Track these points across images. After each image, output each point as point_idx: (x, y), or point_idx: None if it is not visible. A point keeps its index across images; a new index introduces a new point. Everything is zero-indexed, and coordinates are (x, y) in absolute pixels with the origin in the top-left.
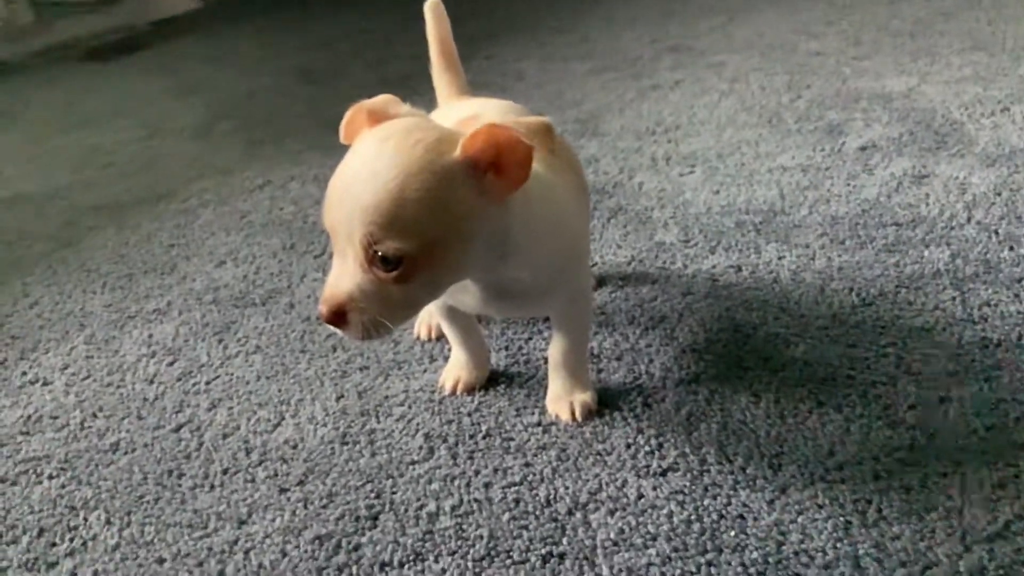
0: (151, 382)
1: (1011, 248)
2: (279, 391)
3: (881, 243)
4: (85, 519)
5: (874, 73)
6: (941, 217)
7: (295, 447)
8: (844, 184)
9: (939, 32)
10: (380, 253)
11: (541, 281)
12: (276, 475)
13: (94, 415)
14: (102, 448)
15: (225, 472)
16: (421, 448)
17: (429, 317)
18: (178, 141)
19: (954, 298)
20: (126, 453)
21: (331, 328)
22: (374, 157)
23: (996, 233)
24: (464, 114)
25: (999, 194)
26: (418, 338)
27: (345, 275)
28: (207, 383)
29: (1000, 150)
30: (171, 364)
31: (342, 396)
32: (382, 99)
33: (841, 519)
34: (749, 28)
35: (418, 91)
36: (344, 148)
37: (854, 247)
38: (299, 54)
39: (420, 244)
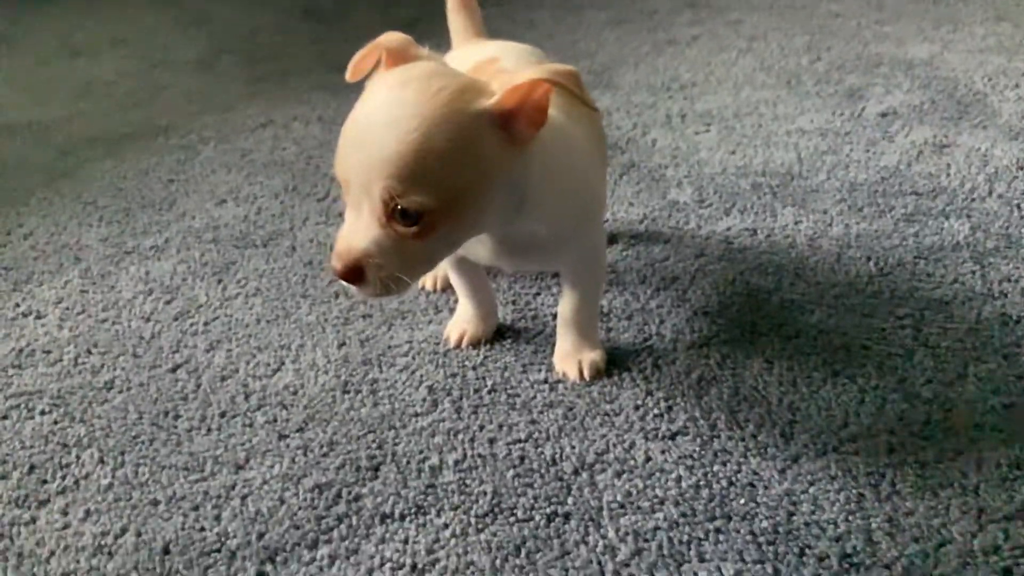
0: (147, 320)
1: None
2: (279, 335)
3: (900, 212)
4: (78, 457)
5: (896, 38)
6: (962, 188)
7: (295, 393)
8: (863, 150)
9: (962, 0)
10: (401, 207)
11: (557, 233)
12: (275, 421)
13: (88, 351)
14: (96, 385)
15: (223, 415)
16: (424, 400)
17: (436, 267)
18: (179, 74)
19: (974, 272)
20: (121, 392)
21: (343, 283)
22: (393, 103)
23: (1018, 207)
24: (482, 57)
25: (1022, 168)
26: (423, 288)
27: (360, 229)
28: (205, 324)
29: (1023, 124)
30: (168, 303)
31: (344, 344)
32: (399, 39)
33: (854, 491)
34: None
35: (427, 36)
36: (352, 89)
37: (872, 215)
38: None
39: (443, 198)
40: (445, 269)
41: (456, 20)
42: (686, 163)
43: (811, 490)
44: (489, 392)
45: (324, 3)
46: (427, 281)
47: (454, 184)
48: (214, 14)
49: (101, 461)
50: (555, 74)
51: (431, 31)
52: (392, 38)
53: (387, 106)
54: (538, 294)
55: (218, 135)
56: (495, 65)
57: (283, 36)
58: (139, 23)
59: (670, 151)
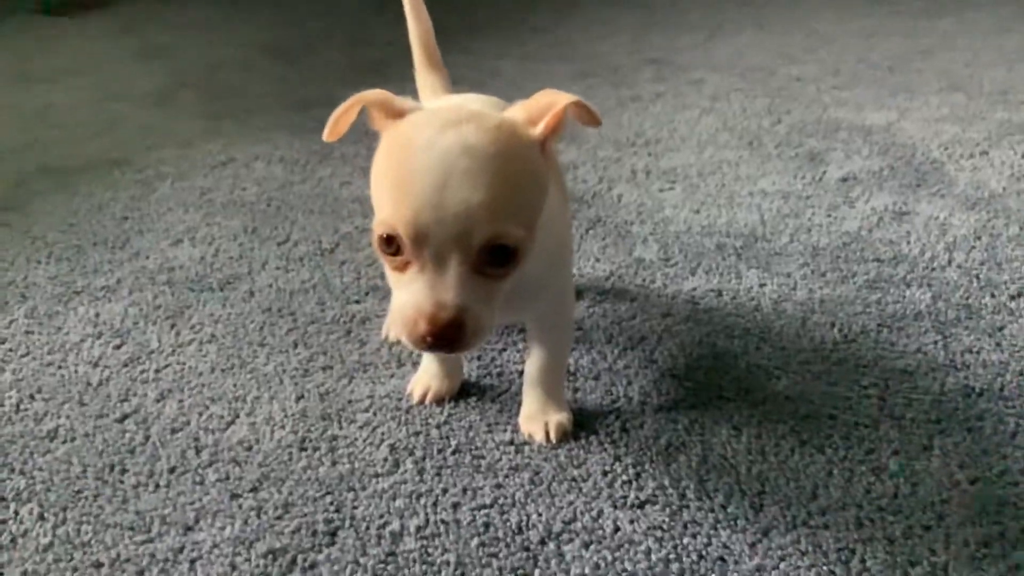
0: (95, 365)
1: (992, 295)
2: (234, 386)
3: (863, 279)
4: (16, 512)
5: (854, 104)
6: (922, 257)
7: (249, 449)
8: (825, 215)
9: (917, 70)
10: (499, 246)
11: (535, 272)
12: (228, 478)
13: (31, 396)
14: (38, 434)
15: (172, 471)
16: (386, 460)
17: None
18: (137, 107)
19: (936, 342)
20: (65, 442)
21: (410, 346)
22: (460, 149)
23: (977, 278)
24: (447, 105)
25: (979, 238)
26: (386, 339)
27: (447, 283)
28: (156, 371)
29: (979, 193)
30: (118, 347)
31: (302, 397)
32: (380, 93)
33: (825, 568)
34: (729, 48)
35: (391, 79)
36: (315, 131)
37: (836, 280)
38: (269, 28)
39: (530, 227)
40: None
41: (424, 78)
42: (651, 220)
43: (782, 566)
44: (453, 453)
45: (288, 41)
46: (391, 331)
47: (534, 210)
48: (174, 47)
49: (41, 517)
50: (572, 99)
51: (398, 72)
52: (373, 94)
53: (455, 153)
54: (504, 350)
55: (176, 171)
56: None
57: (245, 72)
58: (97, 53)
59: (635, 207)
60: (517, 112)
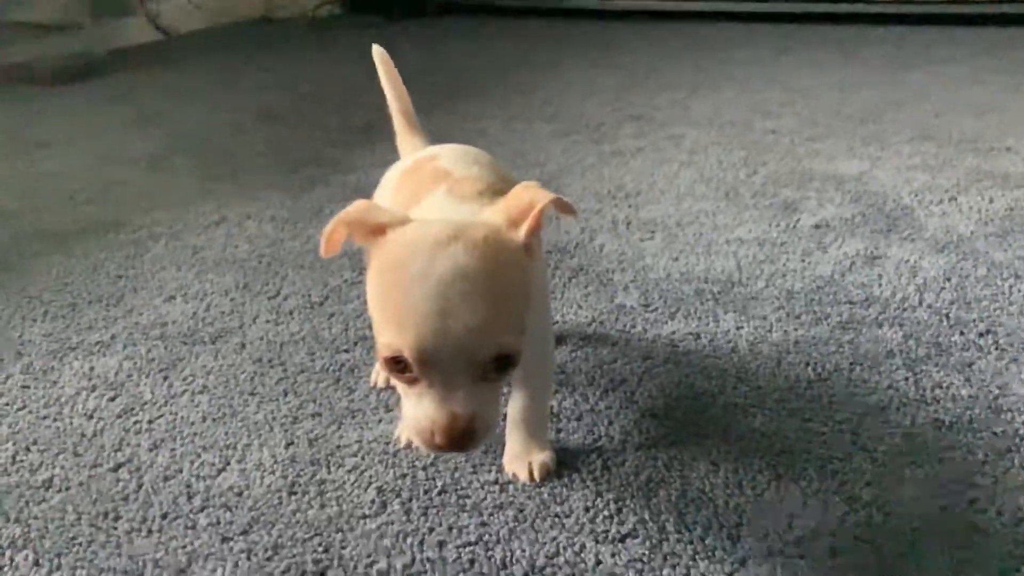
0: (90, 417)
1: (961, 333)
2: (225, 434)
3: (836, 320)
4: (12, 559)
5: (827, 155)
6: (893, 298)
7: (240, 494)
8: (799, 260)
9: (889, 120)
10: (504, 355)
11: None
12: (219, 523)
13: (27, 448)
14: (34, 484)
15: (164, 517)
16: (373, 502)
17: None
18: (132, 171)
19: (907, 378)
20: (60, 491)
21: (424, 451)
22: (456, 274)
23: (947, 317)
24: (423, 154)
25: (948, 279)
26: (374, 386)
27: (455, 398)
28: (149, 422)
29: (948, 237)
30: (112, 399)
31: (292, 443)
32: (360, 207)
33: None
34: (708, 104)
35: (380, 140)
36: (305, 190)
37: (810, 322)
38: (261, 93)
39: (523, 329)
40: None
41: (405, 142)
42: (632, 268)
43: None
44: (439, 493)
45: (280, 105)
46: (379, 378)
47: (525, 311)
48: (168, 113)
49: (36, 563)
50: (550, 198)
51: (386, 134)
52: (351, 214)
53: (449, 279)
54: None
55: (169, 232)
56: (433, 163)
57: (238, 136)
58: (93, 120)
59: (617, 256)
60: (498, 214)
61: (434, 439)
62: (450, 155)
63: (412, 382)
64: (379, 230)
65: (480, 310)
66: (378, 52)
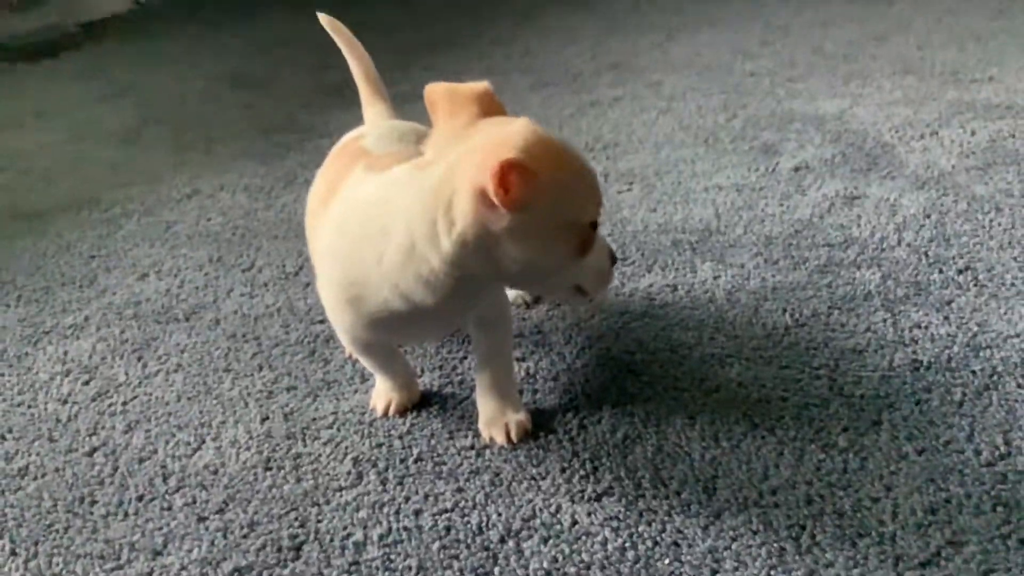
0: (64, 402)
1: (940, 271)
2: (200, 412)
3: (814, 264)
4: None
5: (808, 95)
6: (872, 239)
7: (215, 472)
8: (778, 204)
9: (871, 56)
10: None
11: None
12: (194, 502)
13: (2, 436)
14: (9, 472)
15: (140, 499)
16: (349, 473)
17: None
18: (104, 146)
19: (885, 320)
20: (35, 478)
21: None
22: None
23: (926, 255)
24: (350, 136)
25: (928, 216)
26: (349, 357)
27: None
28: (124, 404)
29: (929, 173)
30: (87, 383)
31: (267, 418)
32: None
33: (775, 545)
34: (687, 47)
35: (355, 101)
36: (279, 157)
37: (787, 268)
38: (233, 59)
39: None
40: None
41: (370, 108)
42: (609, 221)
43: (734, 546)
44: (415, 461)
45: (253, 69)
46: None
47: None
48: (141, 84)
49: (13, 553)
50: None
51: (358, 96)
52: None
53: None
54: (464, 358)
55: (142, 207)
56: (356, 143)
57: (212, 103)
58: (64, 95)
59: None
60: None
61: (613, 260)
62: (374, 134)
63: (591, 243)
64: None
65: None
66: (326, 20)
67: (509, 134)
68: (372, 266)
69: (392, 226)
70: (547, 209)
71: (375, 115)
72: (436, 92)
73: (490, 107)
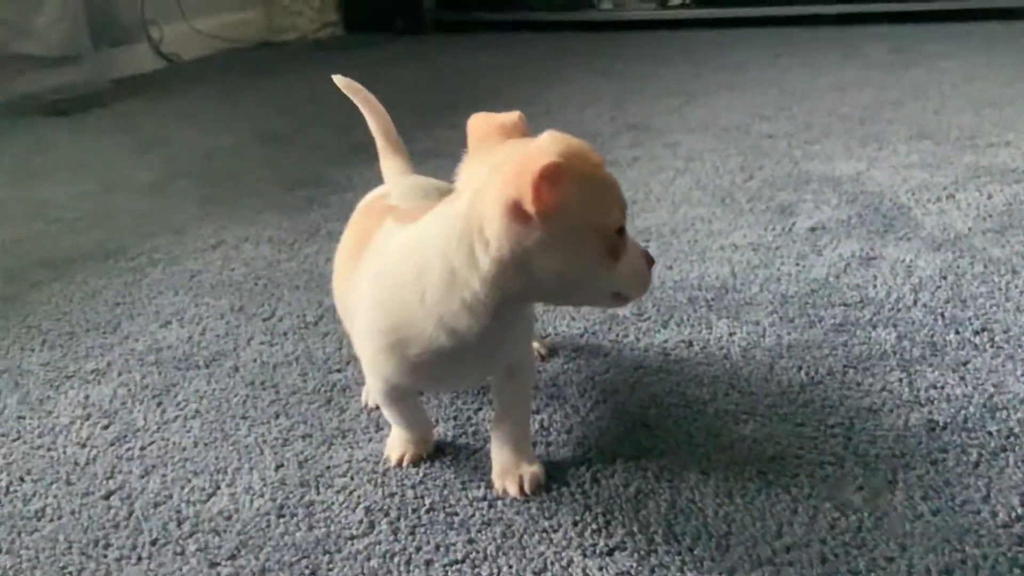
0: (83, 446)
1: (956, 332)
2: (216, 458)
3: (830, 323)
4: None
5: (824, 157)
6: (888, 299)
7: (229, 519)
8: (794, 263)
9: (887, 120)
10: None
11: (523, 317)
12: (207, 548)
13: (21, 479)
14: (26, 514)
15: (154, 543)
16: (361, 522)
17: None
18: (132, 198)
19: (901, 379)
20: (52, 520)
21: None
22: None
23: (942, 316)
24: (375, 194)
25: (944, 278)
26: (365, 406)
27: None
28: (141, 448)
29: (945, 235)
30: (106, 427)
31: (282, 465)
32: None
33: None
34: (705, 110)
35: (377, 159)
36: (304, 211)
37: (803, 326)
38: (261, 115)
39: None
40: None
41: (388, 163)
42: None
43: None
44: (427, 511)
45: (280, 127)
46: (369, 398)
47: None
48: (170, 138)
49: None
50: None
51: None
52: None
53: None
54: (479, 409)
55: (168, 257)
56: (381, 202)
57: (238, 158)
58: (94, 149)
59: None
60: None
61: (649, 262)
62: (399, 191)
63: (622, 247)
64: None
65: None
66: (341, 81)
67: (535, 146)
68: (416, 306)
69: (431, 262)
70: (575, 215)
71: (393, 170)
72: (474, 120)
73: (519, 134)
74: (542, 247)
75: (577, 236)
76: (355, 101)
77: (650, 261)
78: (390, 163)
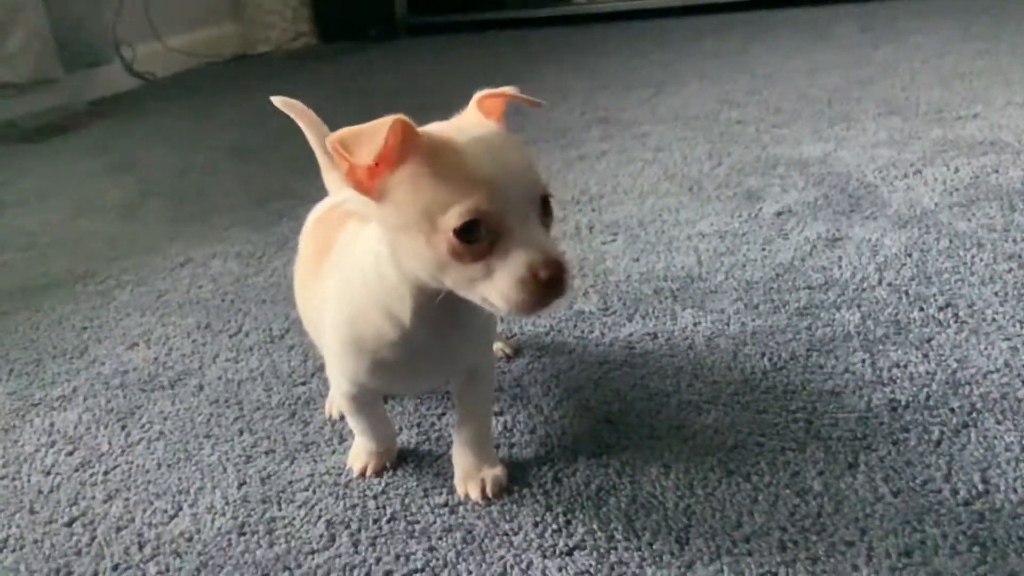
0: (48, 473)
1: (920, 309)
2: (179, 479)
3: (794, 307)
4: None
5: (792, 140)
6: (853, 279)
7: (190, 540)
8: (760, 249)
9: (856, 99)
10: (548, 195)
11: (486, 320)
12: (167, 570)
13: None
14: None
15: (115, 568)
16: (322, 536)
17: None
18: (104, 220)
19: (864, 360)
20: (14, 550)
21: (525, 314)
22: (509, 141)
23: (906, 294)
24: (334, 201)
25: (910, 255)
26: (329, 418)
27: (538, 235)
28: (105, 473)
29: (912, 211)
30: (70, 454)
31: (244, 483)
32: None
33: None
34: (675, 99)
35: None
36: (273, 224)
37: (768, 311)
38: (234, 130)
39: None
40: (339, 407)
41: (329, 176)
42: (592, 273)
43: None
44: (388, 521)
45: (252, 141)
46: (333, 410)
47: None
48: (143, 159)
49: None
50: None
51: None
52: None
53: (493, 135)
54: (443, 415)
55: (136, 278)
56: (338, 210)
57: (210, 176)
58: (69, 173)
59: (578, 262)
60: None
61: (539, 277)
62: (354, 197)
63: (483, 254)
64: (416, 140)
65: (532, 165)
66: (279, 101)
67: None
68: (365, 298)
69: (368, 254)
70: (406, 193)
71: (333, 181)
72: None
73: (488, 108)
74: (382, 223)
75: (403, 219)
76: (293, 117)
77: (553, 283)
78: (330, 176)
